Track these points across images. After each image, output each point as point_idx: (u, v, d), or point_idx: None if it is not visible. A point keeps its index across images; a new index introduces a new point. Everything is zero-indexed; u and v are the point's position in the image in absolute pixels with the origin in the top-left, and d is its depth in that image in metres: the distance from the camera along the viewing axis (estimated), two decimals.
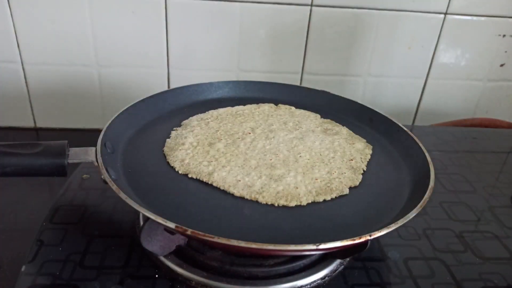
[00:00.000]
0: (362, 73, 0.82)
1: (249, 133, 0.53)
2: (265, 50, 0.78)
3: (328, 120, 0.59)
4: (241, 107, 0.60)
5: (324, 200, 0.43)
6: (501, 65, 0.84)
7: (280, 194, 0.43)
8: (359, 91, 0.84)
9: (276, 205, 0.42)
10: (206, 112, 0.58)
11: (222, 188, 0.43)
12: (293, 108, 0.62)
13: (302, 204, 0.42)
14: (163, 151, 0.49)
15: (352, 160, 0.49)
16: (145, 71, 0.77)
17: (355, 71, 0.82)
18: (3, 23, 0.69)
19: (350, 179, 0.46)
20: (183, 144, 0.50)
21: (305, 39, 0.77)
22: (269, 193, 0.43)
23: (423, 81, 0.84)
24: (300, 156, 0.49)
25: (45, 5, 0.69)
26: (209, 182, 0.44)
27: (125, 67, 0.76)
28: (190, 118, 0.57)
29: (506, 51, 0.82)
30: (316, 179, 0.45)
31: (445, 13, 0.77)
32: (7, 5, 0.68)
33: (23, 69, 0.74)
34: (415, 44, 0.80)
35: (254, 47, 0.77)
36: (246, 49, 0.77)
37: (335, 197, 0.44)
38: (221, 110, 0.59)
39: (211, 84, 0.63)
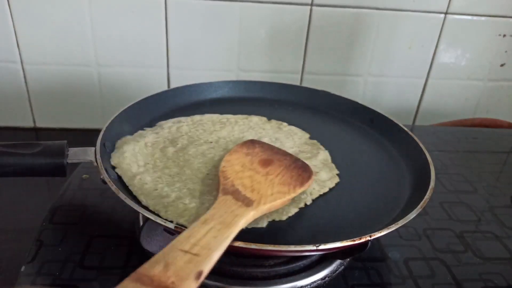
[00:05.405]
0: (362, 73, 0.82)
1: (210, 142, 0.49)
2: (265, 50, 0.78)
3: (314, 141, 0.52)
4: (230, 115, 0.56)
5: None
6: (502, 65, 0.84)
7: (186, 212, 0.37)
8: (359, 91, 0.84)
9: (174, 222, 0.35)
10: (189, 116, 0.55)
11: (134, 194, 0.40)
12: (284, 123, 0.56)
13: None
14: (115, 143, 0.46)
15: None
16: (145, 71, 0.77)
17: (355, 71, 0.81)
18: (3, 23, 0.69)
19: (278, 212, 0.39)
20: (137, 141, 0.47)
21: (305, 39, 0.77)
22: (176, 209, 0.37)
23: (424, 81, 0.84)
24: None
25: (45, 5, 0.69)
26: (127, 185, 0.41)
27: (125, 66, 0.76)
28: (168, 119, 0.54)
29: (506, 51, 0.82)
30: None
31: (446, 13, 0.77)
32: (7, 5, 0.68)
33: (23, 69, 0.74)
34: (415, 44, 0.80)
35: (254, 47, 0.77)
36: (246, 49, 0.77)
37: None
38: (207, 115, 0.55)
39: (211, 84, 0.63)
